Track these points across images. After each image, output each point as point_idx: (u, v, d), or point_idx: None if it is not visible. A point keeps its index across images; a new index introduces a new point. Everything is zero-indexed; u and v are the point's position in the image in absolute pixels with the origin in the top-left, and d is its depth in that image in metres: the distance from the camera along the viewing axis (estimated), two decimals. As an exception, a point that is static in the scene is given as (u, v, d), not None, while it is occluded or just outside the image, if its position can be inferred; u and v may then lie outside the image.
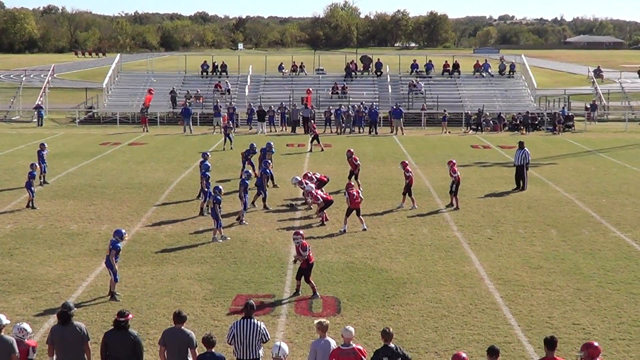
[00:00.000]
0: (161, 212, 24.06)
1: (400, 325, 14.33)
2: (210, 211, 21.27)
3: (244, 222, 22.42)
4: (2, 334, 10.70)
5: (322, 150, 38.23)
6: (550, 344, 10.46)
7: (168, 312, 14.73)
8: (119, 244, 16.08)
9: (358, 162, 27.56)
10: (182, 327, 11.09)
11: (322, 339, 10.98)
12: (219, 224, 20.44)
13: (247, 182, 23.02)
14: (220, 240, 20.38)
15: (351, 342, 10.77)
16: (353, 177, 27.24)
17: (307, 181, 24.30)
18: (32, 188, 24.43)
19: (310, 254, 16.23)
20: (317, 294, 16.07)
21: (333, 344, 10.95)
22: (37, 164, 26.14)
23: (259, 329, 11.25)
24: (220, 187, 21.38)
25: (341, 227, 21.81)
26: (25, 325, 10.95)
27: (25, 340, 10.80)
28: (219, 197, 20.69)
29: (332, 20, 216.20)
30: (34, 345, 10.93)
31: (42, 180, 28.18)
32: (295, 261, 17.05)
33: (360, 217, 21.91)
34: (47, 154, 29.29)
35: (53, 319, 14.59)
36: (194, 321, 14.44)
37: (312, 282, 16.20)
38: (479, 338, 13.85)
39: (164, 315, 14.78)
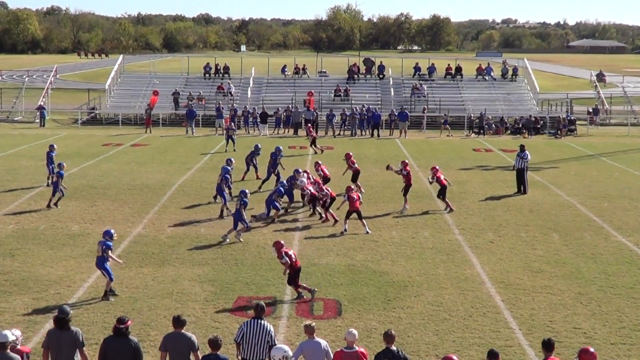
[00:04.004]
0: (163, 213, 24.07)
1: (401, 328, 14.32)
2: (233, 212, 21.24)
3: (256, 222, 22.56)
4: (8, 351, 10.35)
5: (322, 152, 38.24)
6: (548, 345, 10.54)
7: (169, 313, 14.73)
8: (110, 243, 16.16)
9: (355, 165, 27.42)
10: (183, 331, 11.05)
11: (311, 339, 11.02)
12: (237, 225, 20.69)
13: (280, 189, 23.35)
14: (240, 240, 20.52)
15: (354, 345, 10.78)
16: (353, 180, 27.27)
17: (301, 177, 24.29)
18: (60, 187, 24.56)
19: (293, 259, 16.13)
20: (302, 295, 16.05)
21: (323, 344, 10.99)
22: (64, 164, 25.93)
23: (268, 331, 11.28)
24: (247, 190, 21.78)
25: (342, 228, 21.89)
26: (17, 332, 10.71)
27: (18, 346, 10.60)
28: (245, 200, 20.96)
29: (335, 22, 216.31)
30: (28, 352, 10.76)
31: (50, 181, 28.21)
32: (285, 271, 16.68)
33: (363, 220, 21.93)
34: (55, 156, 29.01)
35: (54, 320, 14.61)
36: (195, 323, 14.44)
37: (298, 286, 16.17)
38: (480, 341, 13.84)
39: (165, 316, 14.77)
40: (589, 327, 14.63)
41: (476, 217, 24.01)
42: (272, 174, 27.98)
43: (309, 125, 44.08)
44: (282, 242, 16.62)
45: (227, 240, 20.51)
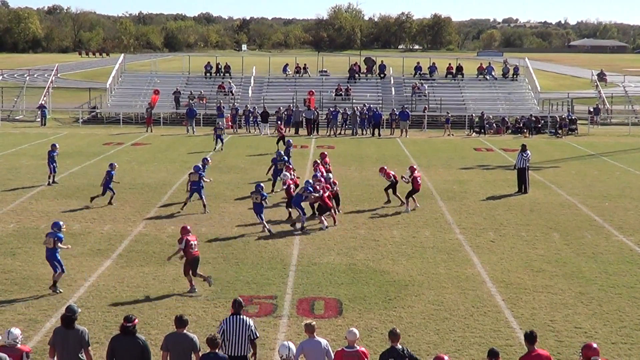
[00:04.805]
0: (164, 212, 24.07)
1: (402, 328, 14.31)
2: (254, 207, 21.74)
3: (306, 229, 21.92)
4: None
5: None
6: (530, 338, 10.67)
7: (170, 312, 14.76)
8: (61, 235, 16.49)
9: (327, 166, 26.73)
10: (185, 331, 11.06)
11: (311, 339, 11.02)
12: (263, 218, 21.47)
13: (301, 195, 22.37)
14: (268, 232, 21.29)
15: (355, 344, 10.78)
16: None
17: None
18: (110, 186, 24.83)
19: (191, 250, 16.35)
20: (195, 289, 16.33)
21: (324, 344, 11.00)
22: (116, 164, 25.91)
23: (248, 325, 11.38)
24: (262, 183, 22.22)
25: (322, 225, 22.14)
26: (17, 330, 10.68)
27: (18, 345, 10.56)
28: (264, 194, 21.57)
29: (336, 22, 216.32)
30: (28, 351, 10.71)
31: (51, 180, 28.19)
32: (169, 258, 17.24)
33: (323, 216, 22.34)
34: (57, 155, 28.78)
35: (55, 319, 14.62)
36: (196, 322, 14.44)
37: (191, 276, 16.41)
38: (481, 341, 13.85)
39: (166, 315, 14.79)
40: (589, 327, 14.64)
41: (477, 217, 24.01)
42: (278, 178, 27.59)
43: (280, 122, 44.03)
44: (189, 227, 16.88)
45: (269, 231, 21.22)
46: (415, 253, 19.71)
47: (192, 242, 16.43)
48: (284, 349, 10.52)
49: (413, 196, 24.86)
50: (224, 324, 11.39)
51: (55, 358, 11.04)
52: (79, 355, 10.95)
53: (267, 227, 21.35)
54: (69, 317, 11.02)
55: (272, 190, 26.87)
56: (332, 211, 22.87)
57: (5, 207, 24.47)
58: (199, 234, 21.24)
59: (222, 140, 38.97)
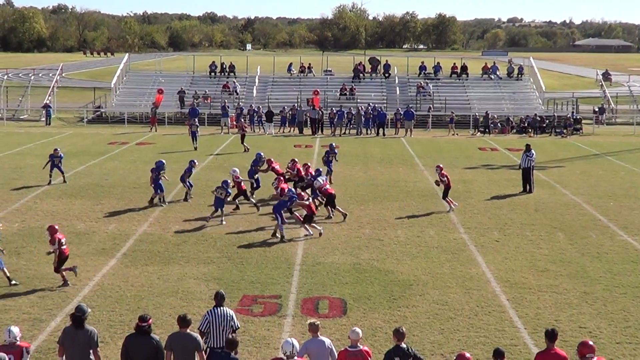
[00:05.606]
0: (168, 211, 24.10)
1: (407, 327, 14.24)
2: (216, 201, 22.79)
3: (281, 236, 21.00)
4: None
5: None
6: (551, 335, 10.68)
7: (174, 312, 14.76)
8: None
9: (294, 172, 25.88)
10: (188, 331, 11.08)
11: (315, 338, 11.03)
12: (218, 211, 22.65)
13: (286, 202, 21.48)
14: (221, 222, 22.37)
15: (358, 344, 10.78)
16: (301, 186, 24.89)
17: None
18: (160, 183, 25.10)
19: (62, 248, 16.64)
20: (68, 283, 16.71)
21: (327, 343, 11.00)
22: (163, 161, 25.94)
23: (231, 317, 11.67)
24: (228, 180, 23.18)
25: (306, 232, 21.20)
26: (15, 329, 10.75)
27: (18, 342, 10.65)
28: (229, 191, 22.66)
29: (341, 21, 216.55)
30: (27, 346, 10.79)
31: (52, 180, 28.17)
32: (49, 253, 17.26)
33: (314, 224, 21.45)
34: (62, 159, 28.57)
35: (60, 318, 14.65)
36: (200, 321, 14.42)
37: (64, 273, 16.78)
38: (485, 340, 13.84)
39: (170, 315, 14.79)
40: (594, 326, 14.62)
41: (482, 216, 23.98)
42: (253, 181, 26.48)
43: (242, 120, 43.98)
44: (57, 227, 17.09)
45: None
46: (419, 253, 19.70)
47: (62, 239, 16.81)
48: (288, 345, 10.44)
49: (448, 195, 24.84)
50: (209, 316, 11.59)
51: (64, 357, 11.06)
52: (88, 355, 10.95)
53: (223, 218, 22.46)
54: (78, 317, 11.01)
55: (252, 193, 25.97)
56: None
57: (10, 206, 24.52)
58: (203, 234, 21.29)
59: (196, 138, 38.91)
